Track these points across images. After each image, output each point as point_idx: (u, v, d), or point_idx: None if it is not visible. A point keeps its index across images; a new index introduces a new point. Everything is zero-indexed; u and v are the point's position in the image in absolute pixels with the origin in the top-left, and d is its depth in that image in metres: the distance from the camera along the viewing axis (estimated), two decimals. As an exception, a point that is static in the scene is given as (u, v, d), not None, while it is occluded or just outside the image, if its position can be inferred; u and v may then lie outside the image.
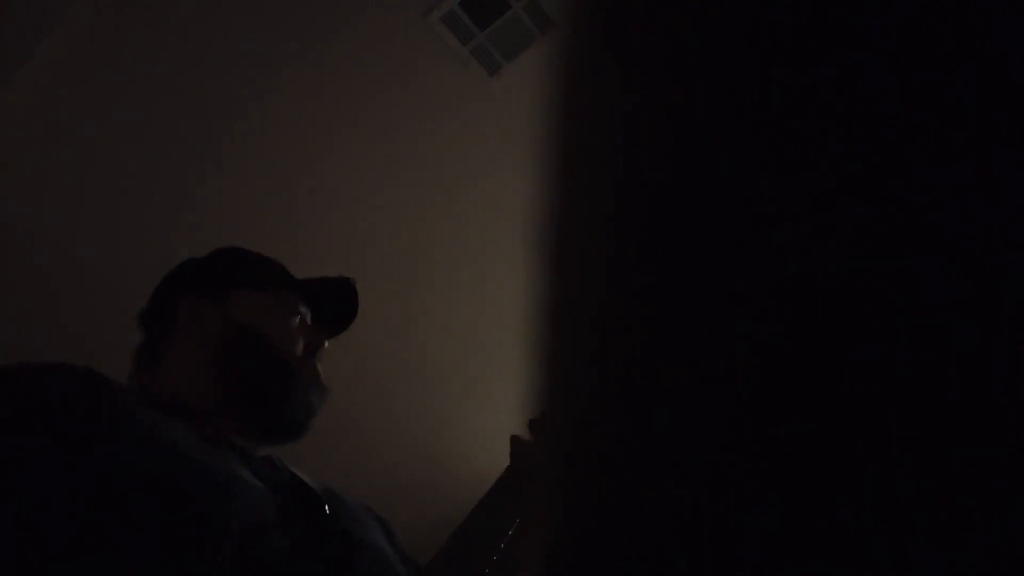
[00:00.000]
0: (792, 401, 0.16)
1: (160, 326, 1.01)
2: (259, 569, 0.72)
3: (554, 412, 0.21)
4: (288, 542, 0.77)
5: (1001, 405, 0.15)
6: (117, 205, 2.43)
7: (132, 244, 2.44)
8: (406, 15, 2.24)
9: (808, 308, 0.16)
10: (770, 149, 0.17)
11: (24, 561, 0.66)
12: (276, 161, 2.41)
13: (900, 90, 0.16)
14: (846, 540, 0.16)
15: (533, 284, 0.22)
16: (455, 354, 2.75)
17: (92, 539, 0.67)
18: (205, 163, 2.40)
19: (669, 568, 0.18)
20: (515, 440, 1.13)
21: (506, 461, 1.18)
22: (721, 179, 0.17)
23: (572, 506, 0.20)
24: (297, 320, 1.02)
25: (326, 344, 1.03)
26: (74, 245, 2.46)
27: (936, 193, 0.15)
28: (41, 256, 2.46)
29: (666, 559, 0.18)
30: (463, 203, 2.50)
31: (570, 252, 0.21)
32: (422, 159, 2.44)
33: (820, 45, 0.16)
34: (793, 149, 0.17)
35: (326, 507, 0.88)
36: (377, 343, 2.62)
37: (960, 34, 0.15)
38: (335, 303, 1.10)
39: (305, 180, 2.45)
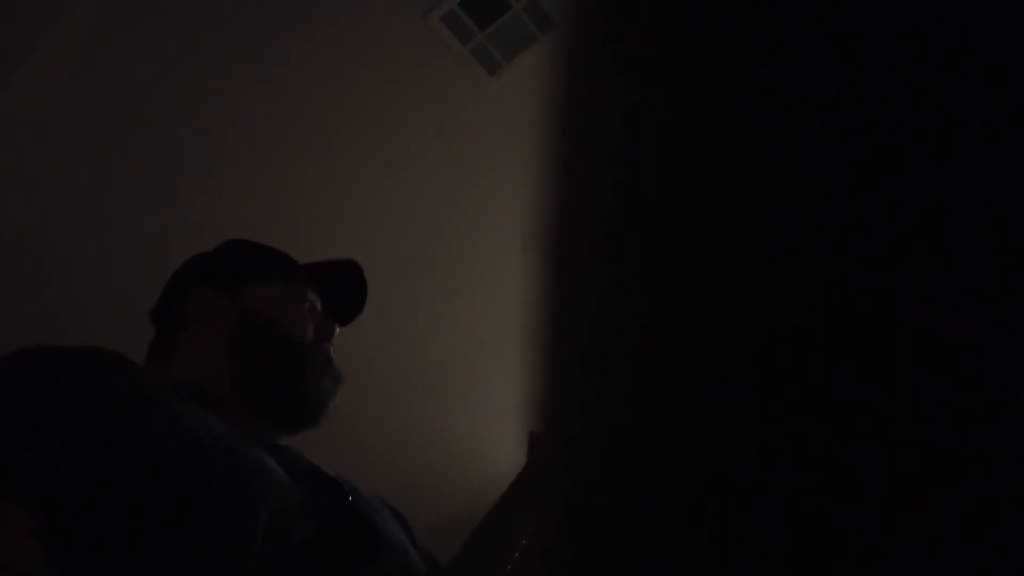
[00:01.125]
0: (790, 400, 0.16)
1: (173, 320, 1.01)
2: (287, 557, 0.72)
3: (554, 412, 0.21)
4: (313, 531, 0.77)
5: (1000, 406, 0.15)
6: (117, 206, 2.43)
7: (132, 244, 2.44)
8: (406, 15, 2.24)
9: (807, 308, 0.16)
10: (768, 149, 0.17)
11: (61, 545, 0.66)
12: (275, 160, 2.41)
13: (899, 91, 0.16)
14: (845, 540, 0.16)
15: (533, 284, 0.22)
16: (454, 353, 2.75)
17: (126, 525, 0.67)
18: (204, 163, 2.40)
19: (669, 567, 0.18)
20: (533, 437, 1.12)
21: (510, 460, 1.18)
22: (719, 179, 0.17)
23: (572, 505, 0.20)
24: (307, 307, 1.02)
25: (337, 330, 1.03)
26: (74, 245, 2.46)
27: (934, 194, 0.15)
28: (41, 257, 2.46)
29: (666, 558, 0.18)
30: (462, 203, 2.50)
31: (570, 252, 0.21)
32: (421, 159, 2.44)
33: (819, 45, 0.16)
34: (791, 149, 0.17)
35: (349, 496, 0.88)
36: (375, 342, 2.62)
37: (958, 35, 0.15)
38: (344, 289, 1.11)
39: (304, 180, 2.45)
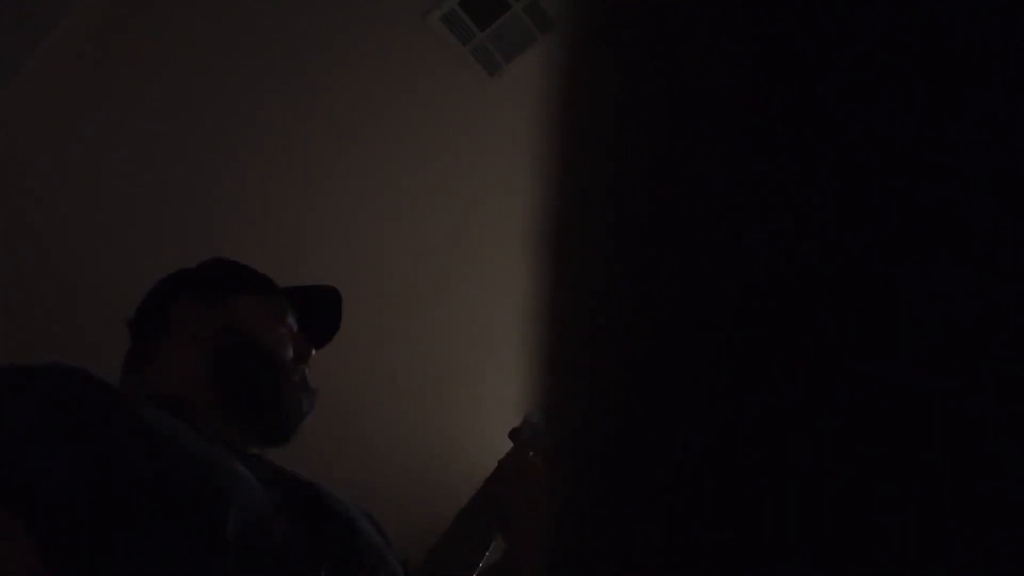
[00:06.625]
0: (779, 399, 0.16)
1: (154, 330, 1.03)
2: (265, 560, 0.73)
3: (553, 411, 0.21)
4: (291, 533, 0.78)
5: (989, 409, 0.15)
6: (119, 212, 2.43)
7: (137, 250, 2.44)
8: (406, 15, 2.24)
9: (800, 307, 0.16)
10: (765, 149, 0.17)
11: (57, 550, 0.66)
12: (274, 162, 2.41)
13: (897, 93, 0.16)
14: (839, 538, 0.16)
15: (533, 283, 0.22)
16: (456, 353, 2.75)
17: (97, 535, 0.68)
18: (204, 167, 2.40)
19: (668, 566, 0.18)
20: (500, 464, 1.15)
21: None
22: (716, 179, 0.17)
23: (572, 504, 0.20)
24: (286, 327, 1.05)
25: (313, 353, 1.05)
26: (75, 248, 2.46)
27: (933, 196, 0.16)
28: (42, 258, 2.46)
29: (665, 557, 0.18)
30: (463, 203, 2.51)
31: (569, 251, 0.21)
32: (421, 159, 2.44)
33: (815, 46, 0.16)
34: (786, 150, 0.17)
35: (321, 499, 0.89)
36: (377, 343, 2.63)
37: (956, 37, 0.15)
38: (320, 314, 1.14)
39: (304, 182, 2.45)
